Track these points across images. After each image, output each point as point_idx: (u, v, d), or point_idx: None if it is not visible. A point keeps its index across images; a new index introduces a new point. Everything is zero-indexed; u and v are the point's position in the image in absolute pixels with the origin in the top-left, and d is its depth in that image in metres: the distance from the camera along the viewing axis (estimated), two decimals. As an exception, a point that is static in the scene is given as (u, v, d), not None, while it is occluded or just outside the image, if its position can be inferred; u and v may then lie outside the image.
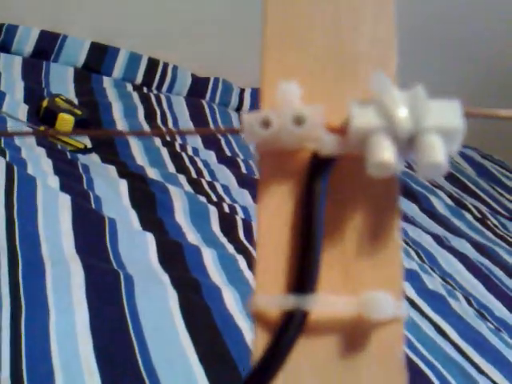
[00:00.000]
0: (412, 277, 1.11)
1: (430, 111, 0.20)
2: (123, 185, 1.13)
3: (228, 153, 1.51)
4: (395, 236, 0.21)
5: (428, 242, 1.31)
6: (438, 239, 1.33)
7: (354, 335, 0.20)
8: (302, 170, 0.21)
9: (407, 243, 1.27)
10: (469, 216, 1.54)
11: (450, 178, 1.80)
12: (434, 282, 1.11)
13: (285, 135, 0.21)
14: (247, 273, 0.97)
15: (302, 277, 0.20)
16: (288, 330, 0.19)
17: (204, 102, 1.71)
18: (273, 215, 0.21)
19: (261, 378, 0.19)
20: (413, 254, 1.23)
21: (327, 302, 0.20)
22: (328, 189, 0.21)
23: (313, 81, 0.22)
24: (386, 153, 0.19)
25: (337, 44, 0.23)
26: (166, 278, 0.87)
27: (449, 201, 1.62)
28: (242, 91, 1.83)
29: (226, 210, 1.18)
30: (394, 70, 0.22)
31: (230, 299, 0.87)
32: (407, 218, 1.43)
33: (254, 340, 0.21)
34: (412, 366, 0.84)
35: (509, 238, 1.47)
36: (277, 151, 0.22)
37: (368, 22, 0.23)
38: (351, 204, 0.21)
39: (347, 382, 0.20)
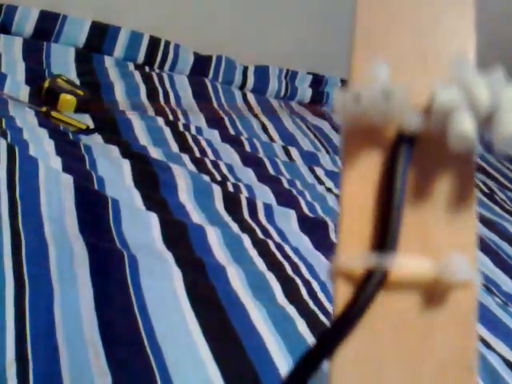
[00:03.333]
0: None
1: (506, 92, 0.21)
2: (126, 165, 1.12)
3: (232, 131, 1.49)
4: (471, 206, 0.23)
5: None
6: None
7: (431, 295, 0.22)
8: (386, 144, 0.22)
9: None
10: (477, 192, 1.52)
11: (458, 153, 1.78)
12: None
13: (374, 110, 0.22)
14: (252, 251, 0.96)
15: (384, 237, 0.21)
16: (368, 286, 0.20)
17: (207, 81, 1.69)
18: (357, 181, 0.22)
19: (341, 331, 0.20)
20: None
21: (407, 262, 0.21)
22: (411, 162, 0.22)
23: (398, 63, 0.24)
24: (467, 126, 0.21)
25: (420, 35, 0.24)
26: (170, 257, 0.87)
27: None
28: (246, 69, 1.81)
29: (230, 188, 1.17)
30: (473, 58, 0.24)
31: (235, 277, 0.86)
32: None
33: (335, 296, 0.21)
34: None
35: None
36: (364, 128, 0.23)
37: (450, 16, 0.24)
38: (431, 175, 0.23)
39: (422, 339, 0.21)
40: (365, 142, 0.23)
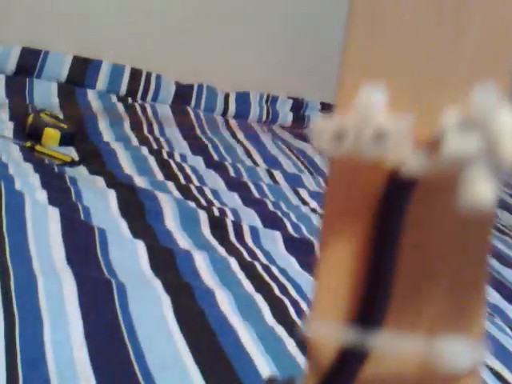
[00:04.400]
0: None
1: None
2: (112, 195, 1.13)
3: (216, 157, 1.51)
4: (482, 277, 0.17)
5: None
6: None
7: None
8: (377, 189, 0.17)
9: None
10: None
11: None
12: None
13: (362, 149, 0.17)
14: (239, 274, 0.97)
15: (368, 308, 0.16)
16: (343, 371, 0.16)
17: (189, 109, 1.72)
18: (339, 239, 0.18)
19: None
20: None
21: (394, 342, 0.16)
22: (407, 215, 0.17)
23: (400, 83, 0.18)
24: (485, 189, 0.16)
25: (433, 42, 0.18)
26: (158, 283, 0.87)
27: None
28: (227, 96, 1.84)
29: (216, 213, 1.18)
30: (506, 81, 0.17)
31: (224, 301, 0.87)
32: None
33: (306, 371, 0.18)
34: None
35: (502, 227, 1.48)
36: (350, 162, 0.18)
37: (476, 20, 0.17)
38: (433, 233, 0.17)
39: None
40: (351, 183, 0.18)
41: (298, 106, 1.95)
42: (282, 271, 1.01)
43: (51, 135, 1.33)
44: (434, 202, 0.17)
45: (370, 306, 0.16)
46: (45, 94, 1.57)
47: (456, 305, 0.17)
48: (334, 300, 0.17)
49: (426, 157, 0.16)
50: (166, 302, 0.83)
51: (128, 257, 0.94)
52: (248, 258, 1.03)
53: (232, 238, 1.09)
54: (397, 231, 0.17)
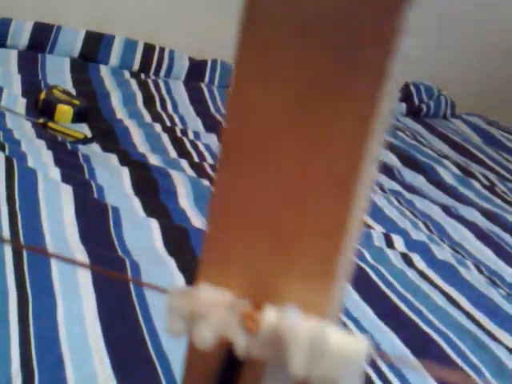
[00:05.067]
0: (421, 248, 1.10)
1: (326, 357, 0.19)
2: (125, 173, 1.12)
3: (230, 135, 1.49)
4: None
5: (436, 212, 1.30)
6: (446, 209, 1.32)
7: None
8: (218, 361, 0.21)
9: (415, 215, 1.26)
10: (477, 184, 1.52)
11: (457, 147, 1.78)
12: (443, 253, 1.10)
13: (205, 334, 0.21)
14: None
15: None
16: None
17: (203, 85, 1.70)
18: (195, 379, 0.23)
19: None
20: (421, 225, 1.22)
21: None
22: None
23: (252, 253, 0.20)
24: None
25: (278, 215, 0.20)
26: (172, 262, 0.87)
27: (456, 170, 1.60)
28: (241, 72, 1.81)
29: (230, 191, 1.17)
30: (343, 234, 0.19)
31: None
32: (414, 190, 1.41)
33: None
34: (424, 337, 0.83)
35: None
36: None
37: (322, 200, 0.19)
38: None
39: None
40: (207, 352, 0.21)
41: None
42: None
43: (64, 112, 1.32)
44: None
45: None
46: (57, 69, 1.55)
47: None
48: None
49: (251, 342, 0.20)
50: (179, 280, 0.83)
51: (142, 235, 0.93)
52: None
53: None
54: None
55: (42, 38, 1.61)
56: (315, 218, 0.20)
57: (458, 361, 0.80)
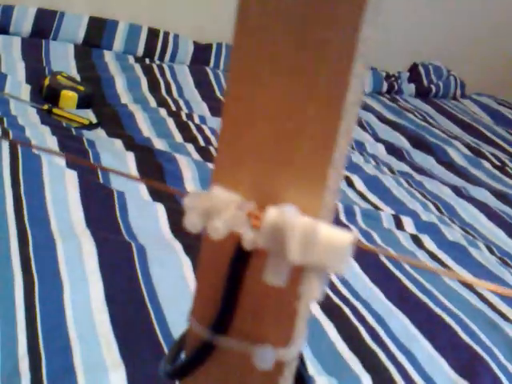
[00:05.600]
0: (431, 229, 1.08)
1: (317, 246, 0.23)
2: (130, 157, 1.11)
3: (236, 118, 1.48)
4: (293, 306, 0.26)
5: (446, 193, 1.28)
6: (456, 190, 1.30)
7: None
8: (230, 252, 0.25)
9: (425, 196, 1.24)
10: (487, 164, 1.50)
11: (467, 127, 1.76)
12: (454, 234, 1.08)
13: (220, 226, 0.24)
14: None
15: (218, 321, 0.26)
16: (199, 354, 0.28)
17: (208, 69, 1.68)
18: (209, 273, 0.27)
19: (191, 364, 0.28)
20: (431, 206, 1.20)
21: (232, 344, 0.27)
22: (248, 269, 0.25)
23: (258, 164, 0.24)
24: (273, 276, 0.24)
25: (282, 132, 0.24)
26: (178, 246, 0.86)
27: (466, 150, 1.57)
28: (247, 55, 1.79)
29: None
30: (333, 149, 0.23)
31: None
32: (424, 171, 1.39)
33: (187, 341, 0.28)
34: (436, 319, 0.82)
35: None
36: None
37: (312, 106, 0.23)
38: (262, 284, 0.25)
39: None
40: (215, 248, 0.26)
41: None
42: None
43: (68, 97, 1.31)
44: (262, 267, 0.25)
45: (219, 321, 0.26)
46: (61, 55, 1.54)
47: (276, 325, 0.26)
48: (203, 310, 0.27)
49: (256, 235, 0.24)
50: (186, 264, 0.82)
51: (148, 219, 0.92)
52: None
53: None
54: (238, 279, 0.25)
55: (46, 24, 1.60)
56: (310, 133, 0.23)
57: (470, 342, 0.78)
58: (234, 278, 0.25)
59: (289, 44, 0.23)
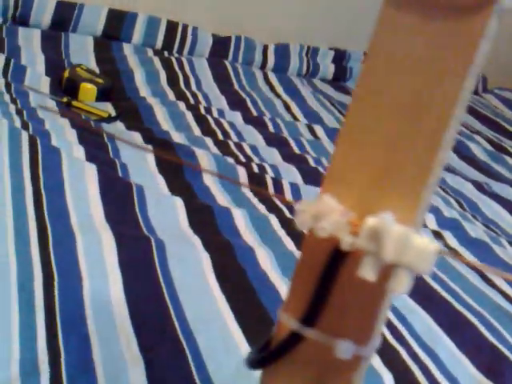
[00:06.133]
0: (454, 226, 1.06)
1: (410, 249, 0.26)
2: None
3: (254, 112, 1.47)
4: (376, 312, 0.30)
5: (469, 189, 1.25)
6: (479, 186, 1.28)
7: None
8: (327, 252, 0.29)
9: (447, 192, 1.22)
10: (510, 160, 1.47)
11: (488, 122, 1.73)
12: (476, 230, 1.06)
13: (324, 229, 0.29)
14: (280, 232, 0.94)
15: (308, 316, 0.30)
16: (286, 345, 0.31)
17: (227, 63, 1.67)
18: (305, 271, 0.31)
19: (278, 354, 0.32)
20: (453, 202, 1.18)
21: (319, 337, 0.30)
22: (343, 270, 0.29)
23: (364, 182, 0.29)
24: (367, 272, 0.27)
25: (389, 157, 0.28)
26: (197, 241, 0.85)
27: (488, 146, 1.54)
28: (266, 48, 1.78)
29: (255, 169, 1.15)
30: (429, 176, 0.27)
31: (265, 259, 0.84)
32: (446, 167, 1.37)
33: (277, 329, 0.32)
34: (459, 317, 0.81)
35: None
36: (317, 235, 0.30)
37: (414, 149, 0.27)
38: (354, 284, 0.29)
39: None
40: (315, 247, 0.30)
41: (340, 58, 1.87)
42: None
43: (88, 90, 1.31)
44: (356, 267, 0.28)
45: (309, 314, 0.30)
46: (80, 48, 1.54)
47: (359, 323, 0.30)
48: (294, 303, 0.31)
49: (354, 239, 0.28)
50: (205, 259, 0.81)
51: (166, 214, 0.92)
52: (289, 215, 1.00)
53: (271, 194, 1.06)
54: (332, 277, 0.29)
55: (65, 16, 1.60)
56: (413, 162, 0.27)
57: (495, 341, 0.77)
58: (328, 276, 0.29)
59: (405, 90, 0.27)
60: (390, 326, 0.77)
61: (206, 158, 1.12)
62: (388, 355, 0.71)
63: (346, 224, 0.28)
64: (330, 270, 0.29)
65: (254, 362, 0.31)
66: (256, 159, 1.20)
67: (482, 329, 0.79)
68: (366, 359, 0.30)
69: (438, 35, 0.26)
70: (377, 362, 0.70)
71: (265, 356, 0.31)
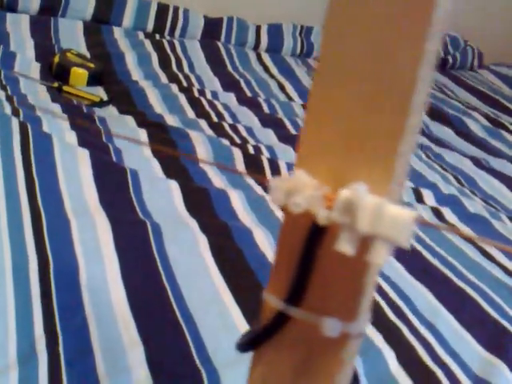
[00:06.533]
0: (452, 202, 1.05)
1: (384, 220, 0.26)
2: (143, 134, 1.09)
3: (248, 93, 1.45)
4: (360, 282, 0.29)
5: (466, 165, 1.25)
6: (476, 162, 1.27)
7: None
8: (307, 228, 0.29)
9: (444, 168, 1.21)
10: (507, 135, 1.46)
11: (485, 98, 1.71)
12: (475, 206, 1.06)
13: (299, 204, 0.28)
14: (278, 213, 0.93)
15: (292, 294, 0.30)
16: (274, 322, 0.31)
17: (219, 44, 1.65)
18: (286, 249, 0.30)
19: (266, 334, 0.31)
20: (451, 178, 1.17)
21: (305, 316, 0.30)
22: (322, 245, 0.28)
23: (334, 155, 0.28)
24: (344, 246, 0.27)
25: (358, 127, 0.27)
26: (194, 223, 0.84)
27: (485, 122, 1.53)
28: (258, 28, 1.75)
29: (251, 151, 1.13)
30: (399, 143, 0.26)
31: (262, 240, 0.84)
32: (443, 143, 1.36)
33: (262, 311, 0.31)
34: (459, 293, 0.80)
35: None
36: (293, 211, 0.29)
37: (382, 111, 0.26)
38: (334, 257, 0.29)
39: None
40: (293, 224, 0.29)
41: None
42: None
43: (79, 75, 1.29)
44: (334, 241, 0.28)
45: (293, 293, 0.29)
46: (70, 33, 1.52)
47: (343, 299, 0.29)
48: (279, 283, 0.31)
49: (329, 213, 0.27)
50: (202, 242, 0.80)
51: (162, 197, 0.90)
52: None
53: (268, 175, 1.05)
54: (312, 253, 0.29)
55: (54, 1, 1.57)
56: (381, 129, 0.26)
57: (496, 316, 0.76)
58: (308, 253, 0.28)
59: (367, 54, 0.26)
60: (390, 302, 0.76)
61: (200, 140, 1.11)
62: (389, 332, 0.71)
63: (321, 198, 0.27)
64: (309, 247, 0.28)
65: (243, 345, 0.31)
66: (251, 140, 1.19)
67: (483, 304, 0.79)
68: (355, 336, 0.29)
69: None
70: (378, 339, 0.69)
71: (253, 338, 0.31)
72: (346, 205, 0.26)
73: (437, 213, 1.01)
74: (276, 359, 0.32)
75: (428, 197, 1.06)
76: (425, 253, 0.88)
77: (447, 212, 1.01)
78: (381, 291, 0.78)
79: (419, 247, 0.89)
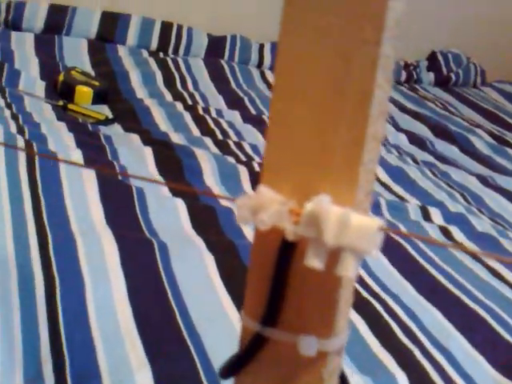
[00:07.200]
0: (460, 220, 1.05)
1: (350, 230, 0.26)
2: (148, 152, 1.09)
3: (253, 111, 1.45)
4: (335, 292, 0.28)
5: (473, 183, 1.24)
6: (482, 179, 1.26)
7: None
8: (277, 243, 0.28)
9: (451, 186, 1.21)
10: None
11: (489, 115, 1.71)
12: (483, 224, 1.05)
13: (266, 221, 0.28)
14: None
15: (267, 315, 0.29)
16: (253, 346, 0.30)
17: (223, 62, 1.65)
18: (258, 268, 0.30)
19: (246, 356, 0.31)
20: (458, 196, 1.17)
21: (282, 336, 0.29)
22: (293, 260, 0.28)
23: (298, 169, 0.28)
24: (312, 260, 0.26)
25: (319, 140, 0.27)
26: (200, 242, 0.83)
27: (490, 139, 1.53)
28: (262, 46, 1.76)
29: (257, 168, 1.13)
30: (361, 153, 0.26)
31: (270, 259, 0.83)
32: (448, 161, 1.35)
33: (240, 338, 0.31)
34: (469, 313, 0.79)
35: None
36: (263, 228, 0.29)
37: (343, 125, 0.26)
38: (307, 274, 0.28)
39: None
40: (264, 240, 0.29)
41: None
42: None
43: (83, 93, 1.29)
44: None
45: (269, 314, 0.29)
46: (75, 51, 1.52)
47: (319, 316, 0.29)
48: (254, 305, 0.30)
49: (296, 228, 0.27)
50: (209, 260, 0.79)
51: (168, 216, 0.90)
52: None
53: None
54: (284, 271, 0.28)
55: (58, 20, 1.58)
56: (342, 142, 0.26)
57: (509, 337, 0.75)
58: (281, 270, 0.28)
59: (322, 64, 0.26)
60: (400, 322, 0.75)
61: (206, 157, 1.11)
62: (400, 354, 0.69)
63: (287, 213, 0.27)
64: (281, 264, 0.28)
65: (224, 371, 0.30)
66: (257, 158, 1.19)
67: (495, 325, 0.77)
68: (334, 353, 0.29)
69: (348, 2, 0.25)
70: (389, 360, 0.68)
71: (233, 363, 0.30)
72: (311, 218, 0.26)
73: (445, 231, 1.00)
74: (257, 382, 0.31)
75: (435, 215, 1.05)
76: (433, 271, 0.87)
77: (455, 231, 1.00)
78: (389, 311, 0.77)
79: (427, 266, 0.88)
